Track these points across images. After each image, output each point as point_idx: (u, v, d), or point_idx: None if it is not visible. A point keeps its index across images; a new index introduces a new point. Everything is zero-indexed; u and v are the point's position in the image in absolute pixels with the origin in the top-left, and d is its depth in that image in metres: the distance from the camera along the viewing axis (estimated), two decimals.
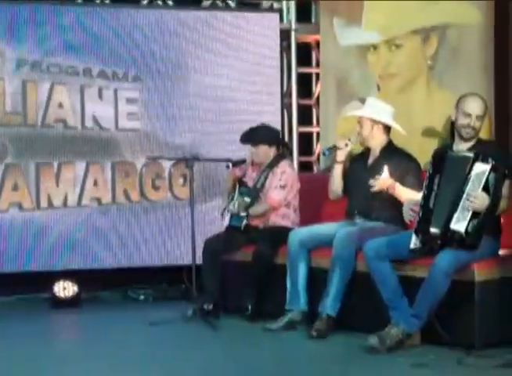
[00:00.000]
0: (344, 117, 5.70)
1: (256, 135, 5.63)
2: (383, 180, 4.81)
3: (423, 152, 5.26)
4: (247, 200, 5.48)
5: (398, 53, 6.02)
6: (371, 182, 4.83)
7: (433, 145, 5.28)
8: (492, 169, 4.31)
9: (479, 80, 5.55)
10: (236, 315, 5.44)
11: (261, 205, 5.57)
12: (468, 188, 4.34)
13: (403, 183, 4.91)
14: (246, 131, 5.71)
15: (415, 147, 5.41)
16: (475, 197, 4.30)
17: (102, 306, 6.18)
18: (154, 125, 6.45)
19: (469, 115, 4.54)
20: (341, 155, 5.20)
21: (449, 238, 4.37)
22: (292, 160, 6.88)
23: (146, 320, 5.35)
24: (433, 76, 5.83)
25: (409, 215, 4.68)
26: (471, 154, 4.41)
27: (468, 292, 4.45)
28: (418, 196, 4.61)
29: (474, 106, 4.55)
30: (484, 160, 4.34)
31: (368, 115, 5.12)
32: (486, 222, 4.35)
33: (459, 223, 4.33)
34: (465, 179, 4.35)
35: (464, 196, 4.34)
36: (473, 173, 4.35)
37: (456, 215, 4.35)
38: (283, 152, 5.76)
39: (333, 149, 5.20)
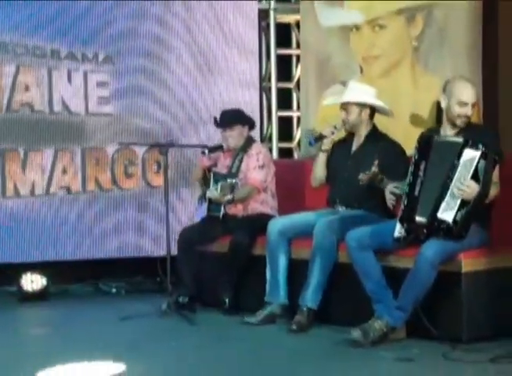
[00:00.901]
0: (326, 105, 5.64)
1: (229, 117, 5.63)
2: (373, 175, 4.77)
3: (409, 138, 5.25)
4: (232, 180, 5.43)
5: (381, 34, 6.00)
6: (360, 176, 4.80)
7: (419, 131, 5.25)
8: (482, 156, 4.29)
9: (466, 62, 5.54)
10: (213, 308, 5.43)
11: (244, 188, 5.56)
12: (456, 176, 4.33)
13: (389, 171, 4.90)
14: (220, 116, 5.67)
15: (400, 133, 5.40)
16: (464, 185, 4.29)
17: (72, 300, 6.15)
18: (126, 110, 6.41)
19: (465, 104, 4.51)
20: (327, 143, 5.20)
21: (436, 227, 4.36)
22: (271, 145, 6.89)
23: (118, 315, 5.33)
24: (418, 58, 5.82)
25: (390, 199, 4.65)
26: (460, 140, 4.40)
27: (455, 283, 4.45)
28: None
29: (469, 94, 4.52)
30: (474, 147, 4.32)
31: (354, 99, 5.09)
32: (475, 211, 4.34)
33: (447, 212, 4.32)
34: (453, 166, 4.34)
35: (452, 184, 4.33)
36: (461, 160, 4.33)
37: (443, 204, 4.34)
38: (252, 136, 5.75)
39: (320, 138, 5.17)
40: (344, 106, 5.11)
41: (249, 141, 5.68)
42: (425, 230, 4.42)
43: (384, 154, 4.97)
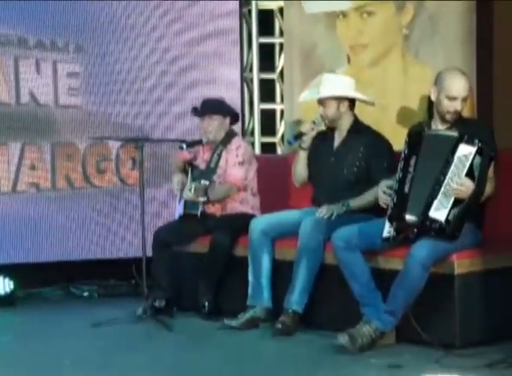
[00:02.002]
0: (302, 102, 5.62)
1: (210, 106, 5.61)
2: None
3: (398, 132, 5.26)
4: (205, 182, 5.43)
5: (370, 21, 6.02)
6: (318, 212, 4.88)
7: (408, 125, 5.25)
8: (478, 152, 4.28)
9: (459, 51, 5.56)
10: (192, 313, 5.43)
11: (221, 186, 5.55)
12: (450, 172, 4.31)
13: (373, 165, 4.89)
14: (200, 104, 5.66)
15: (388, 127, 5.40)
16: (458, 183, 4.28)
17: (41, 305, 6.11)
18: (99, 102, 6.38)
19: (455, 99, 4.48)
20: (307, 140, 5.18)
21: (428, 227, 4.35)
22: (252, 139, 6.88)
23: (90, 320, 5.31)
24: (408, 47, 5.84)
25: (383, 198, 4.63)
26: (455, 134, 4.38)
27: (448, 286, 4.45)
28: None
29: (459, 88, 4.47)
30: (470, 142, 4.30)
31: (329, 94, 5.05)
32: (469, 210, 4.34)
33: (439, 211, 4.32)
34: (447, 162, 4.33)
35: (446, 181, 4.32)
36: (456, 156, 4.31)
37: (435, 202, 4.33)
38: (233, 130, 5.74)
39: (299, 136, 5.16)
40: (321, 101, 5.10)
41: (229, 135, 5.66)
42: (415, 229, 4.42)
43: (367, 147, 4.97)
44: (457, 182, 4.27)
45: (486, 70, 5.55)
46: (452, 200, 4.29)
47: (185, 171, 5.67)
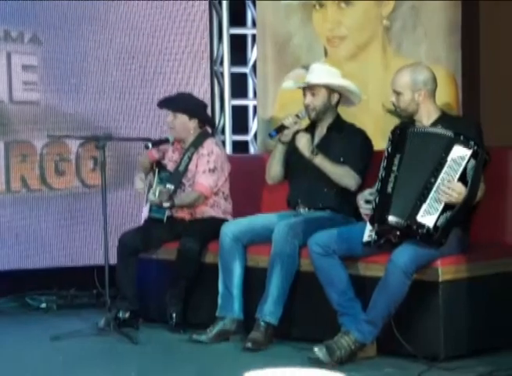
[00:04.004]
0: (287, 88, 5.65)
1: (175, 102, 5.60)
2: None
3: (380, 130, 5.29)
4: (170, 187, 5.43)
5: (348, 12, 6.04)
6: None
7: (391, 122, 5.29)
8: (473, 155, 4.27)
9: (443, 44, 5.59)
10: (159, 324, 5.43)
11: (189, 194, 5.55)
12: (442, 175, 4.30)
13: (351, 161, 4.95)
14: (168, 96, 5.66)
15: (370, 124, 5.43)
16: (451, 188, 4.28)
17: None
18: (57, 97, 6.36)
19: (393, 92, 4.61)
20: (288, 135, 5.18)
21: (414, 231, 4.35)
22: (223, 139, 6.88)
23: (49, 333, 5.29)
24: (390, 39, 5.87)
25: (364, 208, 4.62)
26: (449, 133, 4.36)
27: (432, 294, 4.48)
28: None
29: (394, 81, 4.60)
30: (465, 144, 4.29)
31: (325, 81, 5.08)
32: (458, 217, 4.36)
33: (428, 217, 4.30)
34: (439, 164, 4.31)
35: (437, 184, 4.31)
36: (450, 157, 4.30)
37: (424, 206, 4.32)
38: (207, 130, 5.73)
39: (281, 129, 5.17)
40: (311, 90, 5.11)
41: (202, 136, 5.63)
42: (398, 232, 4.43)
43: (346, 144, 5.00)
44: (449, 186, 4.27)
45: (472, 62, 5.59)
46: (443, 205, 4.29)
47: (152, 172, 5.66)
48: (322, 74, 5.13)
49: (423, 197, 4.32)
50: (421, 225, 4.31)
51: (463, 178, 4.28)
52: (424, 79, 4.58)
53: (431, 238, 4.33)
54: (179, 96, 5.69)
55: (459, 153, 4.27)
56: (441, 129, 4.44)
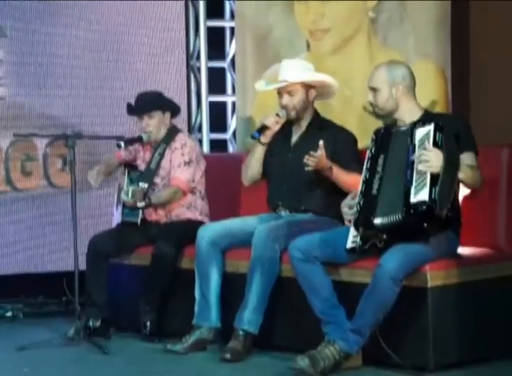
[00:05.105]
0: (261, 90, 5.61)
1: (146, 102, 5.59)
2: (320, 158, 4.77)
3: (365, 127, 5.27)
4: (143, 185, 5.41)
5: (332, 4, 6.05)
6: (306, 159, 4.79)
7: (376, 120, 5.29)
8: (437, 128, 4.37)
9: (432, 36, 5.60)
10: (131, 333, 5.43)
11: (165, 189, 5.54)
12: (416, 154, 4.37)
13: (339, 160, 4.90)
14: (135, 100, 5.63)
15: (354, 122, 5.43)
16: (427, 154, 4.33)
17: None
18: (23, 93, 6.35)
19: (370, 89, 4.65)
20: (269, 135, 5.20)
21: (413, 218, 4.32)
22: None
23: (15, 343, 5.28)
24: (375, 32, 5.89)
25: (347, 214, 4.61)
26: (408, 126, 4.53)
27: (420, 300, 4.47)
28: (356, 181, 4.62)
29: (370, 77, 4.66)
30: (425, 124, 4.42)
31: (299, 78, 5.08)
32: (450, 185, 4.37)
33: (420, 192, 4.32)
34: (411, 150, 4.40)
35: (415, 165, 4.36)
36: (416, 140, 4.40)
37: (413, 188, 4.34)
38: (176, 126, 5.74)
39: (264, 129, 5.17)
40: (287, 89, 5.10)
41: (172, 131, 5.65)
42: (384, 236, 4.43)
43: (331, 143, 4.98)
44: (424, 153, 4.33)
45: (462, 55, 5.60)
46: (429, 176, 4.32)
47: (122, 173, 5.66)
48: (296, 70, 5.13)
49: (409, 181, 4.36)
50: (417, 204, 4.30)
51: (436, 147, 4.37)
52: (402, 74, 4.65)
53: (434, 213, 4.29)
54: (143, 98, 5.64)
55: (423, 132, 4.40)
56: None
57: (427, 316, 4.45)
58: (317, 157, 4.79)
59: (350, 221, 4.58)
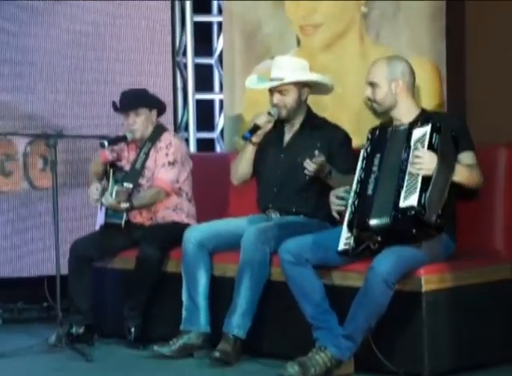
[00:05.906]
0: (252, 88, 5.62)
1: (132, 100, 5.59)
2: (320, 163, 4.76)
3: (358, 126, 5.28)
4: (128, 185, 5.41)
5: None
6: (306, 163, 4.79)
7: (369, 117, 5.29)
8: (434, 129, 4.37)
9: (426, 32, 5.61)
10: (116, 339, 5.43)
11: (147, 191, 5.55)
12: (411, 157, 4.38)
13: (336, 160, 4.91)
14: (120, 98, 5.61)
15: (345, 119, 5.43)
16: (420, 156, 4.34)
17: None
18: (3, 90, 6.33)
19: (369, 84, 4.65)
20: (260, 135, 5.20)
21: (401, 223, 4.33)
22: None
23: None
24: (368, 27, 5.89)
25: (336, 204, 4.63)
26: (406, 125, 4.53)
27: (414, 305, 4.47)
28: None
29: (369, 72, 4.66)
30: (423, 125, 4.42)
31: (292, 78, 5.07)
32: (442, 191, 4.36)
33: (409, 197, 4.33)
34: (406, 151, 4.41)
35: (408, 166, 4.37)
36: (412, 141, 4.41)
37: (403, 192, 4.35)
38: (163, 124, 5.73)
39: (256, 130, 5.17)
40: (279, 88, 5.10)
41: (158, 130, 5.65)
42: (379, 238, 4.43)
43: (327, 143, 5.00)
44: (418, 155, 4.35)
45: (458, 51, 5.61)
46: (420, 180, 4.33)
47: (106, 174, 5.64)
48: (290, 68, 5.12)
49: (400, 184, 4.38)
50: (406, 209, 4.31)
51: (431, 149, 4.38)
52: (402, 70, 4.66)
53: (423, 219, 4.30)
54: (128, 95, 5.63)
55: (420, 133, 4.41)
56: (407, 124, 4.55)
57: (421, 321, 4.45)
58: (318, 164, 4.78)
59: (338, 211, 4.58)
